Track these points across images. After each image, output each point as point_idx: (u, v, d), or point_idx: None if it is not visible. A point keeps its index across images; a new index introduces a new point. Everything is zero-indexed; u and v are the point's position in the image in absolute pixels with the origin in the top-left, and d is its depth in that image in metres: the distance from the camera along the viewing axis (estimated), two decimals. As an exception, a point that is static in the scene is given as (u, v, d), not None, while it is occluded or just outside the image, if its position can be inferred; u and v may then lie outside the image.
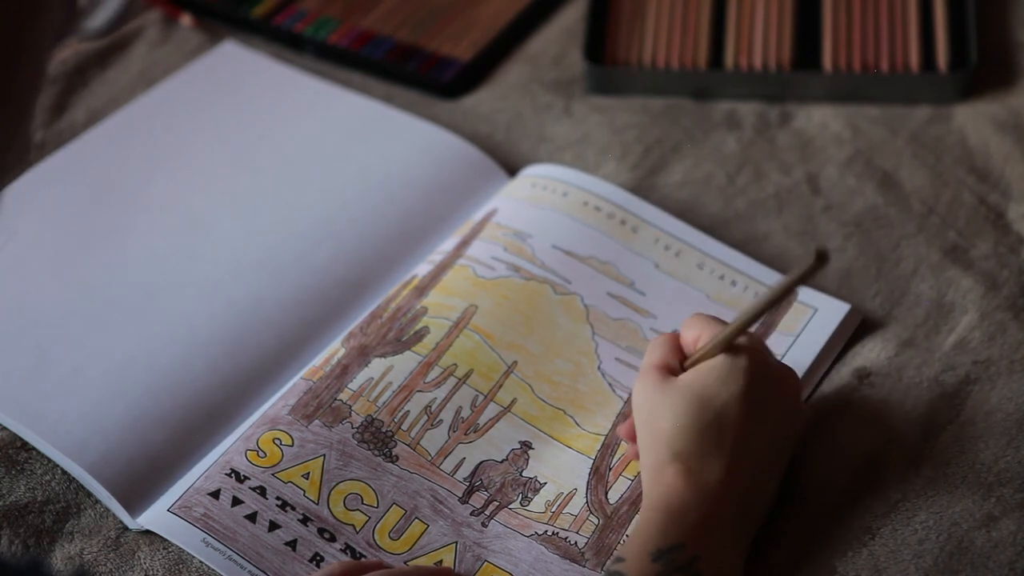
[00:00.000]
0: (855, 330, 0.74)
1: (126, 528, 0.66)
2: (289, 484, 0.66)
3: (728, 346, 0.63)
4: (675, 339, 0.66)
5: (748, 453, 0.61)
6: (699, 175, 0.84)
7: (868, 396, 0.71)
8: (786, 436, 0.64)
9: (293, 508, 0.65)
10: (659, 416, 0.62)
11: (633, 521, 0.65)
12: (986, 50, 0.89)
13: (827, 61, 0.88)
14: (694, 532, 0.59)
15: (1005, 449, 0.67)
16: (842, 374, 0.72)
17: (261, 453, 0.67)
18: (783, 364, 0.66)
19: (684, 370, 0.64)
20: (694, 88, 0.89)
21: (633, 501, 0.66)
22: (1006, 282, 0.76)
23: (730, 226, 0.80)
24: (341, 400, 0.69)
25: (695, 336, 0.65)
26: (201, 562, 0.64)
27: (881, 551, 0.64)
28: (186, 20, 0.95)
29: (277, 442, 0.68)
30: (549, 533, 0.65)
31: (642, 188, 0.82)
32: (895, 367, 0.72)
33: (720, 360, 0.63)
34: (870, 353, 0.73)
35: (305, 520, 0.65)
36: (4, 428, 0.70)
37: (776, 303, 0.61)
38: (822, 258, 0.56)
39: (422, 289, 0.75)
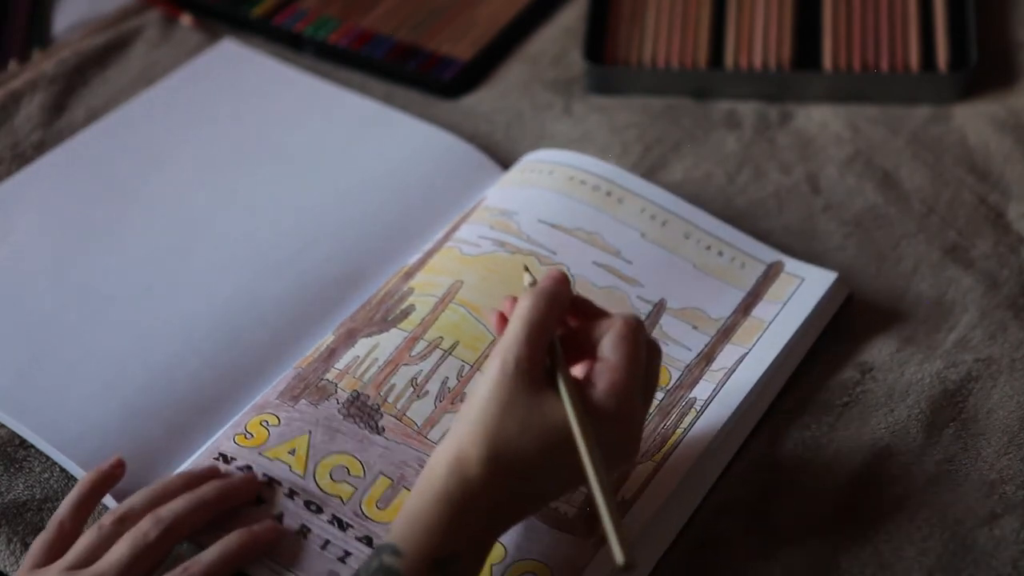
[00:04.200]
0: (855, 327, 0.74)
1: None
2: (276, 461, 0.66)
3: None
4: (554, 313, 0.59)
5: (538, 494, 0.58)
6: (699, 174, 0.84)
7: (871, 391, 0.71)
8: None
9: (279, 484, 0.65)
10: (494, 413, 0.57)
11: (410, 499, 0.58)
12: (986, 50, 0.89)
13: (827, 61, 0.88)
14: (470, 540, 0.56)
15: (1007, 447, 0.67)
16: (844, 368, 0.72)
17: (248, 435, 0.67)
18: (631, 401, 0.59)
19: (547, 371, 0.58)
20: (694, 88, 0.89)
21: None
22: (1006, 281, 0.76)
23: (730, 225, 0.80)
24: (327, 379, 0.69)
25: (616, 360, 0.58)
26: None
27: (885, 548, 0.64)
28: (186, 20, 0.95)
29: (264, 424, 0.68)
30: None
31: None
32: (897, 363, 0.72)
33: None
34: (871, 349, 0.73)
35: (292, 494, 0.65)
36: (2, 425, 0.70)
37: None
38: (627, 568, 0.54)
39: (410, 274, 0.75)
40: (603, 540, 0.59)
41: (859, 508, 0.65)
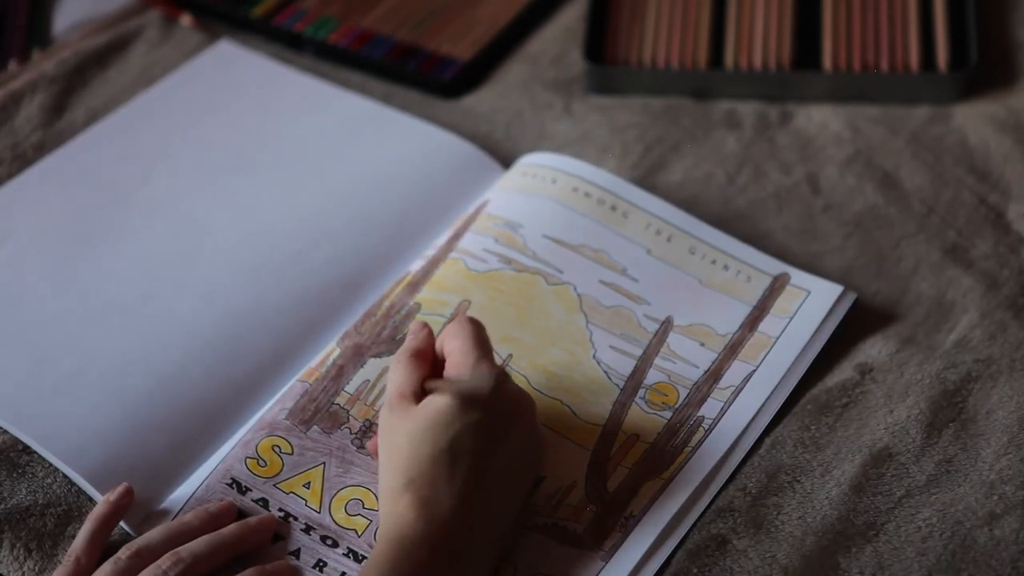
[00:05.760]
0: (855, 328, 0.74)
1: (128, 534, 0.66)
2: (291, 495, 0.66)
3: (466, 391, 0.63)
4: (416, 359, 0.65)
5: (481, 482, 0.61)
6: (699, 174, 0.84)
7: (870, 391, 0.71)
8: (523, 465, 0.64)
9: (296, 519, 0.65)
10: (396, 444, 0.62)
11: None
12: (986, 50, 0.89)
13: (827, 61, 0.89)
14: (425, 568, 0.59)
15: (1007, 447, 0.68)
16: (844, 369, 0.72)
17: (261, 462, 0.67)
18: (520, 390, 0.66)
19: (425, 392, 0.64)
20: (694, 88, 0.89)
21: (631, 486, 0.66)
22: (1006, 281, 0.76)
23: (730, 225, 0.80)
24: (338, 404, 0.69)
25: (456, 347, 0.65)
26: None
27: (885, 548, 0.64)
28: (186, 20, 0.95)
29: (276, 450, 0.67)
30: (549, 524, 0.65)
31: (642, 187, 0.82)
32: (896, 363, 0.72)
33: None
34: (871, 350, 0.73)
35: (308, 529, 0.65)
36: (4, 431, 0.70)
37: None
38: None
39: (415, 285, 0.75)
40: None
41: (859, 508, 0.65)
